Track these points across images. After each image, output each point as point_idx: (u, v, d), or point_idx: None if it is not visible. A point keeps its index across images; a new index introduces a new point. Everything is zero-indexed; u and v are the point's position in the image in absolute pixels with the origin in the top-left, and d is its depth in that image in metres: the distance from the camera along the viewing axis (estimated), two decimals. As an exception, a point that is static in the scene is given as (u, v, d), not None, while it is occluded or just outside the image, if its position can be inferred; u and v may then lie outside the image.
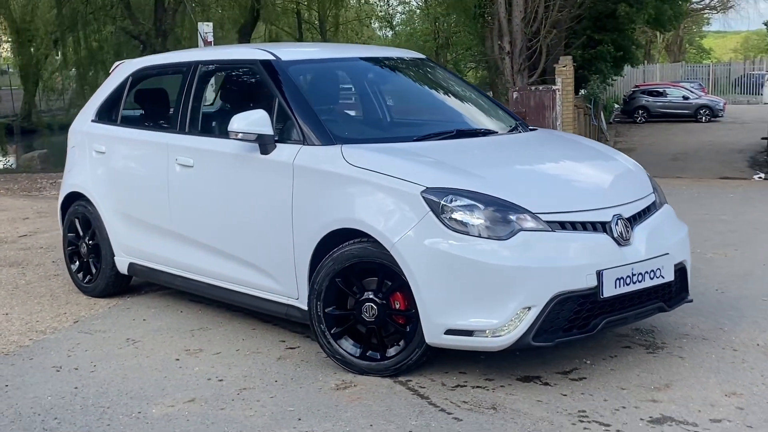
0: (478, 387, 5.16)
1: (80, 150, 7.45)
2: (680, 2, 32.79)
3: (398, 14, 41.24)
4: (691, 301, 5.76)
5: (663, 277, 5.35)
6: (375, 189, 5.23)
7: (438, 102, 6.62)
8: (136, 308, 7.04)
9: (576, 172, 5.70)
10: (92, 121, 7.44)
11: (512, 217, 4.97)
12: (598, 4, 26.44)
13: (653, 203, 5.63)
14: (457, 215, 4.99)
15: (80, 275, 7.53)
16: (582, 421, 4.67)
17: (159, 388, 5.29)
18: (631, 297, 5.22)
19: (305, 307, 5.67)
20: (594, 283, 5.00)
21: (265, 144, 5.77)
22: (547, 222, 5.02)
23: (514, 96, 18.26)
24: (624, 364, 5.50)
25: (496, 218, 4.96)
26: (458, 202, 5.01)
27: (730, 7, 45.19)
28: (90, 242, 7.38)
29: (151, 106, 7.26)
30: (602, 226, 5.16)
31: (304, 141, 5.67)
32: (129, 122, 7.23)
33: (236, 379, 5.41)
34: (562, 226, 5.06)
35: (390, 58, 6.83)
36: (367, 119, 6.38)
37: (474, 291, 4.92)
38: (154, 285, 7.60)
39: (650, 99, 40.67)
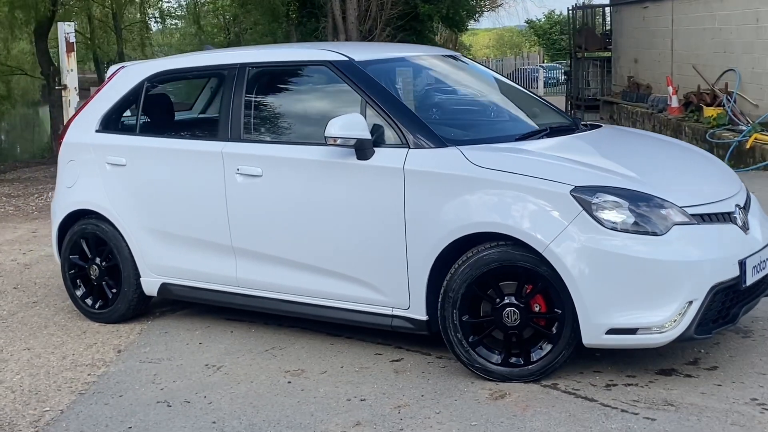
0: (630, 385, 5.13)
1: (84, 164, 6.80)
2: (473, 2, 33.78)
3: (178, 9, 39.78)
4: None
5: None
6: (514, 190, 5.09)
7: (498, 99, 6.51)
8: (175, 331, 6.52)
9: (683, 165, 5.77)
10: (97, 131, 6.80)
11: (664, 212, 4.98)
12: (401, 4, 26.87)
13: (748, 193, 5.80)
14: (610, 213, 4.94)
15: (89, 301, 6.88)
16: (767, 410, 4.74)
17: (306, 414, 4.94)
18: (758, 284, 5.36)
19: (419, 317, 5.47)
20: (737, 272, 5.08)
21: (364, 149, 5.49)
22: (692, 215, 5.05)
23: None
24: (736, 350, 5.62)
25: (650, 214, 4.95)
26: (610, 199, 4.96)
27: (499, 5, 46.92)
28: (104, 264, 6.76)
29: (176, 112, 6.73)
30: (728, 217, 5.25)
31: (408, 144, 5.44)
32: (154, 131, 6.66)
33: (378, 397, 5.13)
34: (702, 218, 5.11)
35: (440, 56, 6.66)
36: (455, 119, 6.16)
37: (638, 288, 4.90)
38: (169, 305, 7.08)
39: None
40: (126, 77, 6.81)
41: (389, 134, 5.55)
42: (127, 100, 6.75)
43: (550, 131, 5.89)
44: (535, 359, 5.19)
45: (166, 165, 6.37)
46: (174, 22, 40.05)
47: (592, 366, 5.39)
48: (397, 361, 5.67)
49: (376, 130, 5.55)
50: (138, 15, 32.30)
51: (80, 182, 6.81)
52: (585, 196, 4.96)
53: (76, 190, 6.83)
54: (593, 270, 4.91)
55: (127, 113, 6.82)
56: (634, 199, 4.98)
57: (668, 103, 19.33)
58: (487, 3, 50.54)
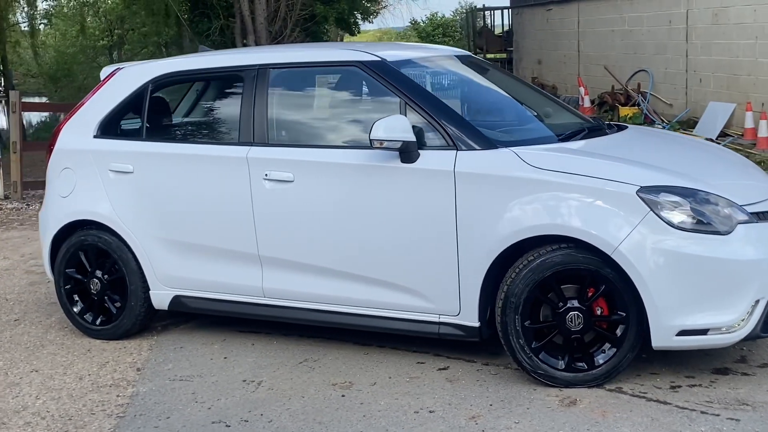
0: (694, 386, 5.10)
1: (82, 171, 6.40)
2: (367, 4, 33.77)
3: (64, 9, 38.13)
4: None
5: None
6: (577, 192, 5.00)
7: (525, 99, 6.38)
8: (191, 346, 6.20)
9: (724, 164, 5.76)
10: (95, 137, 6.42)
11: (727, 212, 4.96)
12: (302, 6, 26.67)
13: None
14: (675, 213, 4.90)
15: (88, 316, 6.49)
16: None
17: (380, 429, 4.76)
18: None
19: (470, 323, 5.34)
20: None
21: (409, 151, 5.32)
22: (751, 213, 5.04)
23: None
24: (774, 347, 5.66)
25: (714, 213, 4.93)
26: (674, 199, 4.92)
27: (384, 7, 47.09)
28: (106, 277, 6.38)
29: (192, 116, 6.39)
30: None
31: (456, 146, 5.29)
32: (162, 135, 6.31)
33: (445, 408, 4.97)
34: (758, 216, 5.10)
35: (459, 56, 6.50)
36: (489, 120, 5.97)
37: (708, 288, 4.87)
38: (169, 319, 6.73)
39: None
40: (125, 80, 6.44)
41: (432, 136, 5.39)
42: (130, 104, 6.38)
43: (588, 131, 5.81)
44: (599, 363, 5.10)
45: (181, 171, 6.05)
46: (53, 22, 38.64)
47: (645, 368, 5.34)
48: (443, 369, 5.51)
49: (419, 131, 5.38)
50: (14, 17, 31.01)
51: (78, 191, 6.40)
52: (651, 196, 4.90)
53: (73, 199, 6.42)
54: (664, 271, 4.85)
55: (130, 117, 6.44)
56: (698, 198, 4.95)
57: (580, 103, 19.63)
58: (371, 4, 50.72)
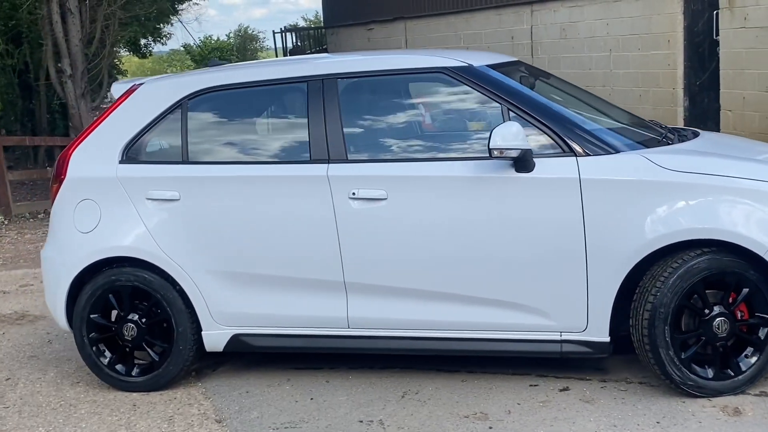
0: (826, 383, 5.04)
1: (109, 202, 5.59)
2: (158, 26, 32.71)
3: None
4: None
5: None
6: (721, 193, 4.82)
7: (593, 103, 6.10)
8: (257, 390, 5.55)
9: None
10: (121, 162, 5.65)
11: None
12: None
13: None
14: None
15: (120, 367, 5.70)
16: None
17: (572, 460, 4.36)
18: None
19: (600, 339, 5.06)
20: None
21: (526, 160, 4.99)
22: None
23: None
24: None
25: None
26: None
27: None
28: (144, 321, 5.61)
29: (243, 134, 5.71)
30: None
31: (573, 152, 5.01)
32: (210, 157, 5.56)
33: (613, 430, 4.64)
34: None
35: (514, 62, 6.15)
36: (590, 125, 5.62)
37: None
38: (201, 362, 6.02)
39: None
40: (153, 96, 5.70)
41: (543, 142, 5.08)
42: (163, 124, 5.64)
43: (678, 134, 5.67)
44: (744, 369, 4.94)
45: (241, 195, 5.41)
46: None
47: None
48: (565, 390, 5.19)
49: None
50: None
51: (106, 225, 5.60)
52: None
53: (99, 234, 5.60)
54: (816, 268, 4.77)
55: (164, 138, 5.70)
56: None
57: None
58: (162, 26, 49.24)
